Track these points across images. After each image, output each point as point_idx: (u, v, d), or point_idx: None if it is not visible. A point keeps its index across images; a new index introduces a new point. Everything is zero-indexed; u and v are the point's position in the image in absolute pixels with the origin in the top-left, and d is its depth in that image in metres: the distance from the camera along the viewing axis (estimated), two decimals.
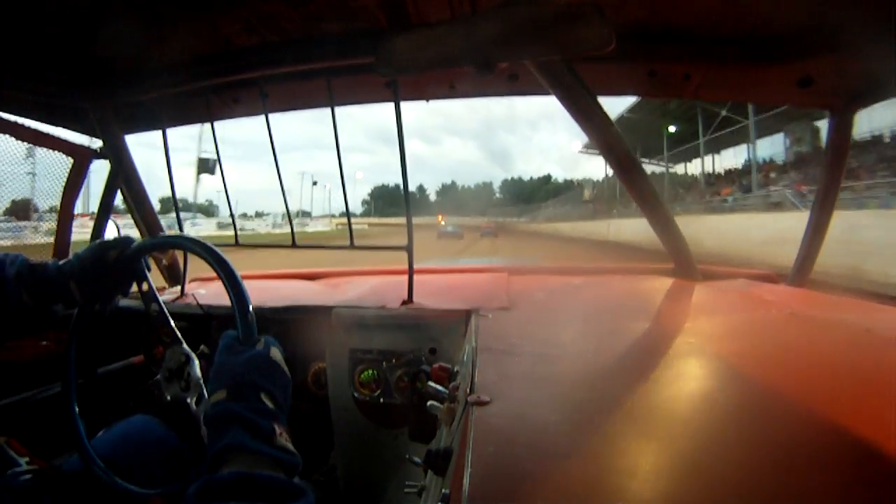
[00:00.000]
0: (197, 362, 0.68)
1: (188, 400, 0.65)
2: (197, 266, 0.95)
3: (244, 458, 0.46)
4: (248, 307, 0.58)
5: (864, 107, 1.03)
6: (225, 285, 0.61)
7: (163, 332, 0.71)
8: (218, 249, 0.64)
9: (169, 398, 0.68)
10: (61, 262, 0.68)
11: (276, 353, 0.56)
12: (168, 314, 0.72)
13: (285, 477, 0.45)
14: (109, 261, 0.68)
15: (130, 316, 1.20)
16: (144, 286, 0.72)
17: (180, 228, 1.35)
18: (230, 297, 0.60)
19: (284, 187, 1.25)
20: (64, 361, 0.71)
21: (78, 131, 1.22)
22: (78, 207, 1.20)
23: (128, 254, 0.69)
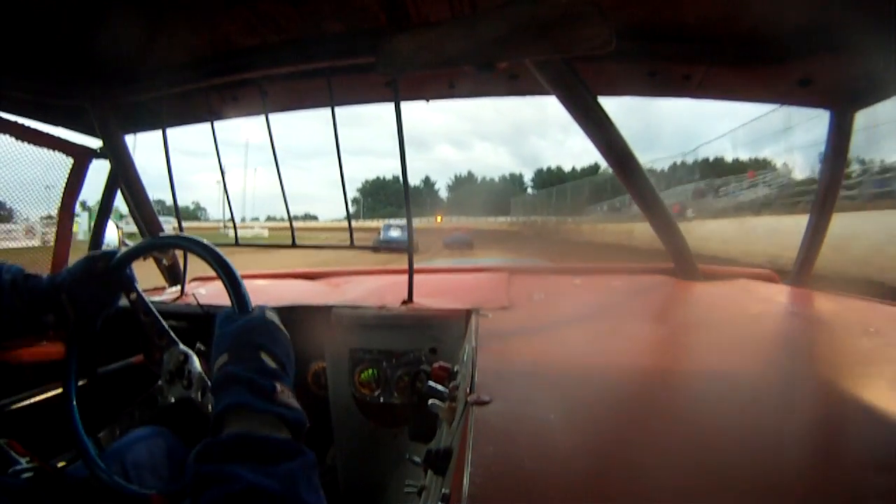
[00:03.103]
0: (196, 358, 0.69)
1: (192, 396, 0.66)
2: (198, 266, 0.95)
3: (245, 417, 0.46)
4: (239, 280, 0.60)
5: (864, 107, 1.03)
6: (211, 265, 0.62)
7: (157, 337, 0.72)
8: (202, 239, 0.66)
9: (174, 400, 0.69)
10: (54, 276, 0.70)
11: (272, 316, 0.57)
12: (160, 318, 0.73)
13: (283, 437, 0.45)
14: (97, 272, 0.70)
15: (130, 316, 1.20)
16: (134, 295, 0.74)
17: (180, 228, 1.34)
18: (218, 274, 0.61)
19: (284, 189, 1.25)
20: (64, 365, 0.71)
21: (78, 131, 1.22)
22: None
23: (113, 264, 0.70)
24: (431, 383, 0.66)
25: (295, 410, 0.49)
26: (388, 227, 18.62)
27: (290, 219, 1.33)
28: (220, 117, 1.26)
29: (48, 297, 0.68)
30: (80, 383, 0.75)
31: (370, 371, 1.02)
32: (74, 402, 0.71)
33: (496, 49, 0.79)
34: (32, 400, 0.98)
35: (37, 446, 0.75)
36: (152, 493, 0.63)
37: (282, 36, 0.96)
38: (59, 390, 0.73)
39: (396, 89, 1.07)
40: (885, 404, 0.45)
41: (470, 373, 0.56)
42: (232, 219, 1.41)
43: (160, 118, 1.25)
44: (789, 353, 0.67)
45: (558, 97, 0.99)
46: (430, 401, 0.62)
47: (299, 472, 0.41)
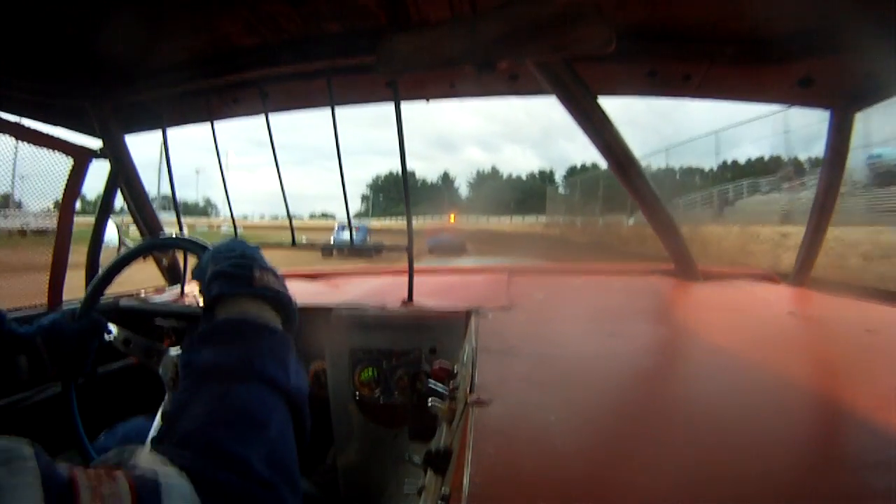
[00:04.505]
0: None
1: None
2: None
3: (227, 304, 0.50)
4: (190, 238, 0.68)
5: (865, 107, 1.03)
6: (164, 245, 0.76)
7: (145, 357, 0.76)
8: (163, 240, 0.73)
9: None
10: (29, 324, 0.72)
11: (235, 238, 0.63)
12: (142, 338, 0.77)
13: (251, 317, 0.48)
14: (66, 322, 0.72)
15: (129, 317, 1.20)
16: (108, 336, 0.77)
17: (180, 228, 1.34)
18: (175, 245, 0.72)
19: (285, 189, 1.26)
20: (64, 364, 0.71)
21: (78, 131, 1.22)
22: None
23: (79, 314, 0.73)
24: (431, 383, 0.66)
25: (273, 290, 0.52)
26: (343, 227, 15.80)
27: (290, 218, 1.33)
28: (220, 117, 1.26)
29: (23, 341, 0.69)
30: (80, 383, 0.75)
31: (370, 371, 1.02)
32: (74, 401, 0.71)
33: (496, 49, 0.79)
34: (32, 398, 0.98)
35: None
36: None
37: (282, 36, 0.96)
38: (59, 389, 0.73)
39: (396, 89, 1.07)
40: (884, 404, 0.45)
41: (470, 373, 0.56)
42: (232, 218, 1.41)
43: (160, 118, 1.25)
44: (789, 353, 0.67)
45: (558, 97, 0.99)
46: (430, 401, 0.62)
47: (260, 348, 0.43)
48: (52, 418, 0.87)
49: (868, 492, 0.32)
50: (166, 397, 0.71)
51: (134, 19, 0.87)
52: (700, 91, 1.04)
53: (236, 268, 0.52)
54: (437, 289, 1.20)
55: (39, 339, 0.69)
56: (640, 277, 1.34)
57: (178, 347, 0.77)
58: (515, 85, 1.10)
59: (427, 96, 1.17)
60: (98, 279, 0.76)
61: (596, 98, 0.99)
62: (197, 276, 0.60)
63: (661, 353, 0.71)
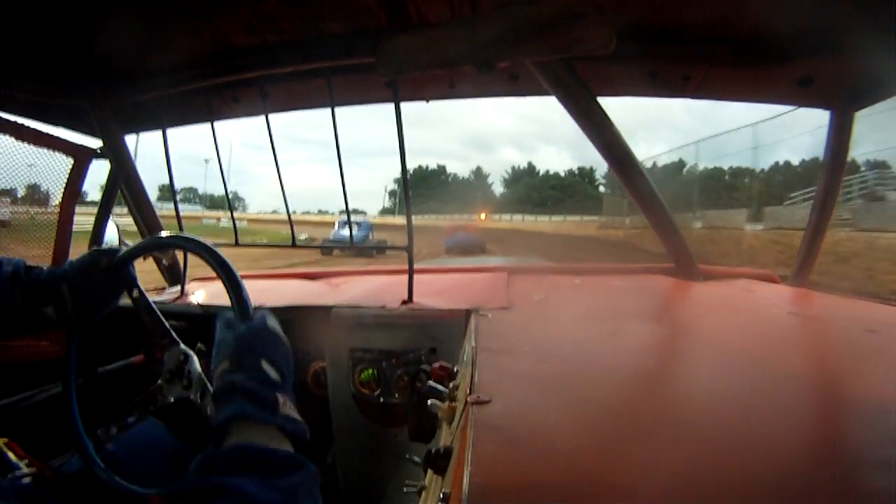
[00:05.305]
0: (196, 359, 0.68)
1: (191, 397, 0.66)
2: (198, 266, 0.95)
3: (247, 428, 0.46)
4: (241, 284, 0.59)
5: (864, 107, 1.04)
6: (214, 268, 0.61)
7: (158, 336, 0.72)
8: (205, 241, 0.66)
9: (172, 399, 0.69)
10: (56, 268, 0.69)
11: (273, 323, 0.57)
12: (161, 317, 0.73)
13: (285, 449, 0.45)
14: (101, 267, 0.69)
15: (130, 315, 1.20)
16: (136, 293, 0.73)
17: (180, 228, 1.34)
18: (221, 278, 0.60)
19: (285, 188, 1.26)
20: (64, 362, 0.71)
21: (78, 131, 1.22)
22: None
23: (116, 261, 0.70)
24: (431, 383, 0.66)
25: (296, 423, 0.48)
26: (343, 223, 15.36)
27: (289, 218, 1.33)
28: (220, 117, 1.26)
29: (49, 289, 0.67)
30: (80, 383, 0.75)
31: (370, 371, 1.02)
32: (75, 400, 0.71)
33: (496, 49, 0.79)
34: (32, 399, 0.98)
35: (36, 446, 0.75)
36: (154, 493, 0.63)
37: (282, 36, 0.96)
38: (59, 389, 0.73)
39: (396, 89, 1.07)
40: (885, 404, 0.45)
41: (470, 373, 0.56)
42: (232, 217, 1.41)
43: (160, 118, 1.25)
44: (789, 353, 0.67)
45: (558, 97, 0.99)
46: (430, 401, 0.62)
47: (301, 486, 0.41)
48: (52, 418, 0.87)
49: (868, 492, 0.32)
50: (159, 382, 0.70)
51: (134, 19, 0.87)
52: (700, 91, 1.04)
53: (261, 386, 0.48)
54: (437, 288, 1.20)
55: (65, 286, 0.67)
56: (641, 277, 1.34)
57: (187, 347, 0.75)
58: (515, 85, 1.10)
59: (427, 96, 1.17)
60: (153, 240, 0.75)
61: (596, 98, 0.99)
62: (218, 350, 0.53)
63: (661, 352, 0.72)
